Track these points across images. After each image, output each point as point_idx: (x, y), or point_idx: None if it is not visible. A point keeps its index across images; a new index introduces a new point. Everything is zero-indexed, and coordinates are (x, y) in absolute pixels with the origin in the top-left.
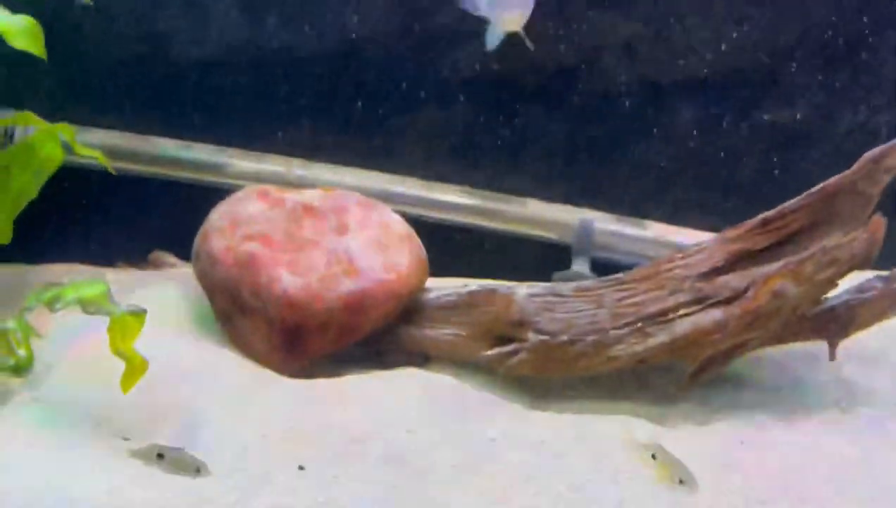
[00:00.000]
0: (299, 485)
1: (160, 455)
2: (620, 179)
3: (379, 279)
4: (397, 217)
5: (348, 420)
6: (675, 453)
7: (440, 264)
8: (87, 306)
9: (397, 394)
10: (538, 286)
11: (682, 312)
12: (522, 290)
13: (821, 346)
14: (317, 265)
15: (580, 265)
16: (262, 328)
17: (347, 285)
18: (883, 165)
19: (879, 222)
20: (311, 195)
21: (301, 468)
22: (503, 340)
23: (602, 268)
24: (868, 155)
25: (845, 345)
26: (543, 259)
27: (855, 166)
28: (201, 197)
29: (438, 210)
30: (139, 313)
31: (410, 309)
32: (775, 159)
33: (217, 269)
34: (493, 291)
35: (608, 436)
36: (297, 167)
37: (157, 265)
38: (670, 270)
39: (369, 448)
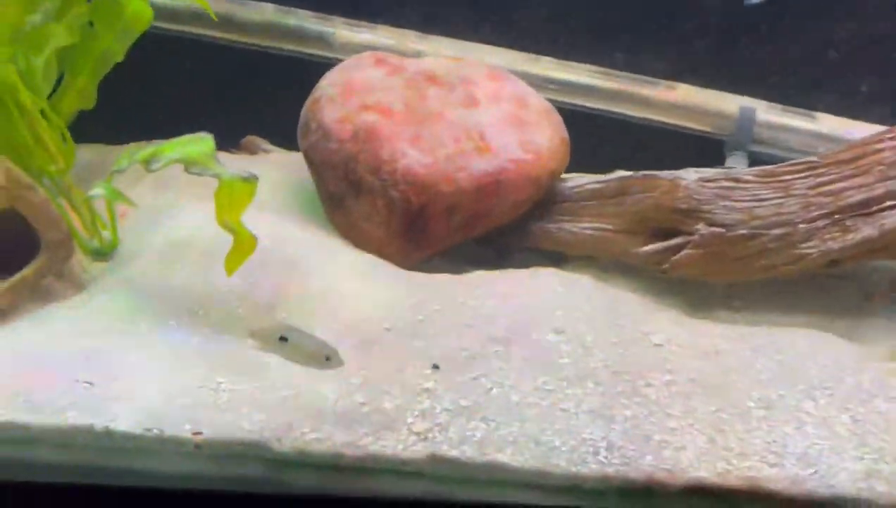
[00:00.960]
0: (433, 388)
1: (283, 339)
2: (788, 62)
3: (515, 159)
4: (532, 90)
5: (484, 318)
6: (880, 371)
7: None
8: (190, 165)
9: (537, 293)
10: (709, 170)
11: (891, 202)
12: (690, 174)
13: None
14: (444, 141)
15: (736, 162)
16: (381, 211)
17: (479, 165)
18: None
19: None
20: (433, 64)
21: (435, 366)
22: (663, 234)
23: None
24: None
25: None
26: (688, 155)
27: None
28: (302, 73)
29: (573, 94)
30: (250, 180)
31: (544, 200)
32: None
33: (330, 143)
34: (652, 176)
35: (793, 349)
36: (411, 40)
37: (251, 151)
38: (878, 151)
39: (512, 350)
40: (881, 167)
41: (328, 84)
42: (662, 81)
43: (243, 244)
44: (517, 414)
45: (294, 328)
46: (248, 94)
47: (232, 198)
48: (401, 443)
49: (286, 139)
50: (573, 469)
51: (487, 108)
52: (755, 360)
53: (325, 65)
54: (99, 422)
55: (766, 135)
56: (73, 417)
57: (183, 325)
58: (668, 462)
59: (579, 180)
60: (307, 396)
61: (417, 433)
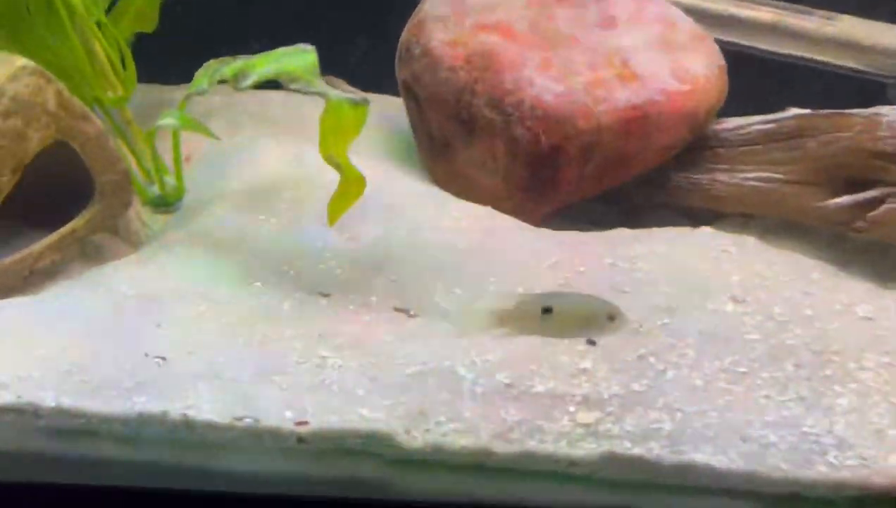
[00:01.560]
0: (591, 368)
1: (547, 310)
2: None
3: (668, 90)
4: (681, 12)
5: (640, 283)
6: None
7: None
8: (290, 79)
9: (703, 254)
10: None
11: None
12: (892, 110)
13: None
14: (579, 68)
15: None
16: (500, 155)
17: (624, 95)
18: None
19: None
20: None
21: (591, 342)
22: (854, 185)
23: None
24: None
25: None
26: (843, 99)
27: None
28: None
29: (713, 25)
30: (361, 104)
31: (696, 146)
32: None
33: (438, 71)
34: (841, 113)
35: None
36: None
37: None
38: None
39: (683, 323)
40: None
41: (435, 2)
42: (818, 12)
43: (351, 184)
44: (708, 403)
45: (553, 293)
46: (322, 27)
47: (339, 125)
48: (564, 438)
49: (368, 83)
50: (797, 473)
51: (629, 29)
52: None
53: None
54: (175, 409)
55: None
56: (143, 403)
57: (270, 288)
58: None
59: (740, 121)
60: (439, 375)
61: (585, 425)
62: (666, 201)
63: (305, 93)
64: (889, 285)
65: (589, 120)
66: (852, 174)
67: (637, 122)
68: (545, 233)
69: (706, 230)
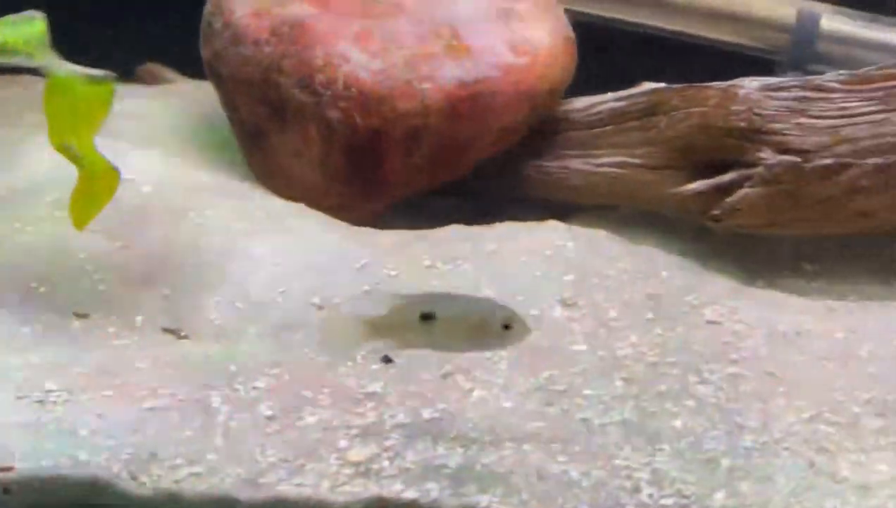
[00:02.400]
0: (382, 391)
1: (428, 316)
2: None
3: (503, 64)
4: None
5: (459, 287)
6: None
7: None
8: (8, 54)
9: (537, 251)
10: (776, 78)
11: None
12: (752, 82)
13: None
14: (403, 40)
15: None
16: (315, 142)
17: (453, 72)
18: None
19: None
20: None
21: (387, 359)
22: (712, 168)
23: None
24: None
25: None
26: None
27: None
28: None
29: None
30: (102, 81)
31: (543, 128)
32: None
33: (241, 47)
34: (696, 86)
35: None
36: None
37: (150, 81)
38: None
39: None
40: None
41: None
42: None
43: (97, 179)
44: (510, 430)
45: (438, 295)
46: (147, 11)
47: (73, 107)
48: (327, 479)
49: (198, 68)
50: None
51: None
52: (856, 345)
53: None
54: None
55: (834, 51)
56: None
57: (13, 309)
58: (747, 500)
59: (591, 100)
60: (187, 409)
61: (355, 464)
62: (520, 193)
63: (24, 71)
64: (757, 281)
65: (412, 100)
66: (710, 156)
67: (468, 101)
68: (360, 233)
69: (551, 225)
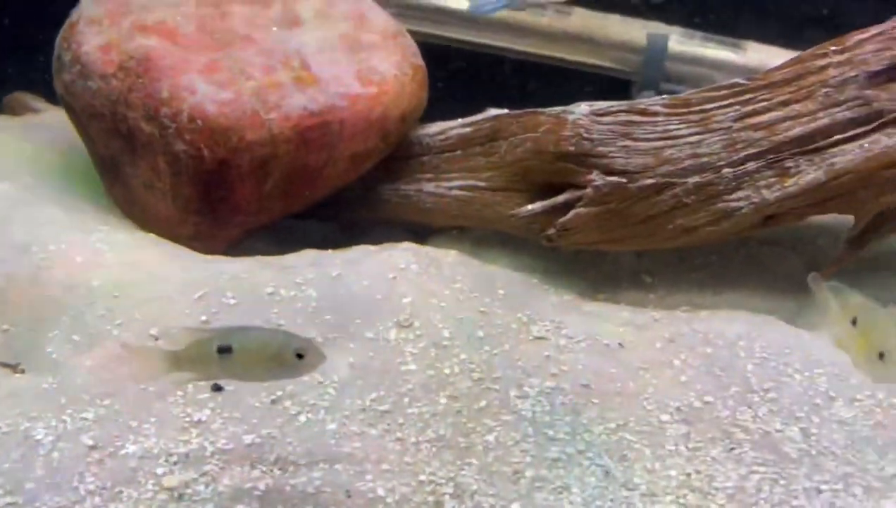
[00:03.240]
0: (208, 418)
1: (223, 350)
2: None
3: (350, 94)
4: (377, 6)
5: (299, 313)
6: (835, 367)
7: (439, 107)
8: None
9: (379, 275)
10: (607, 103)
11: (842, 135)
12: (582, 107)
13: None
14: (250, 71)
15: None
16: (165, 173)
17: (300, 102)
18: None
19: None
20: None
21: (217, 387)
22: (551, 190)
23: None
24: None
25: None
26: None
27: None
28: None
29: (439, 23)
30: None
31: (399, 154)
32: None
33: (90, 81)
34: (532, 112)
35: (721, 339)
36: None
37: (18, 111)
38: (822, 70)
39: (335, 356)
40: (826, 90)
41: (90, 2)
42: (553, 3)
43: None
44: (329, 451)
45: (234, 328)
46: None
47: None
48: (143, 505)
49: None
50: None
51: (314, 27)
52: (672, 354)
53: None
54: None
55: (682, 70)
56: None
57: None
58: None
59: (442, 126)
60: (7, 442)
61: (170, 489)
62: (382, 215)
63: None
64: (596, 295)
65: (259, 130)
66: (546, 178)
67: (316, 130)
68: (205, 263)
69: (403, 246)
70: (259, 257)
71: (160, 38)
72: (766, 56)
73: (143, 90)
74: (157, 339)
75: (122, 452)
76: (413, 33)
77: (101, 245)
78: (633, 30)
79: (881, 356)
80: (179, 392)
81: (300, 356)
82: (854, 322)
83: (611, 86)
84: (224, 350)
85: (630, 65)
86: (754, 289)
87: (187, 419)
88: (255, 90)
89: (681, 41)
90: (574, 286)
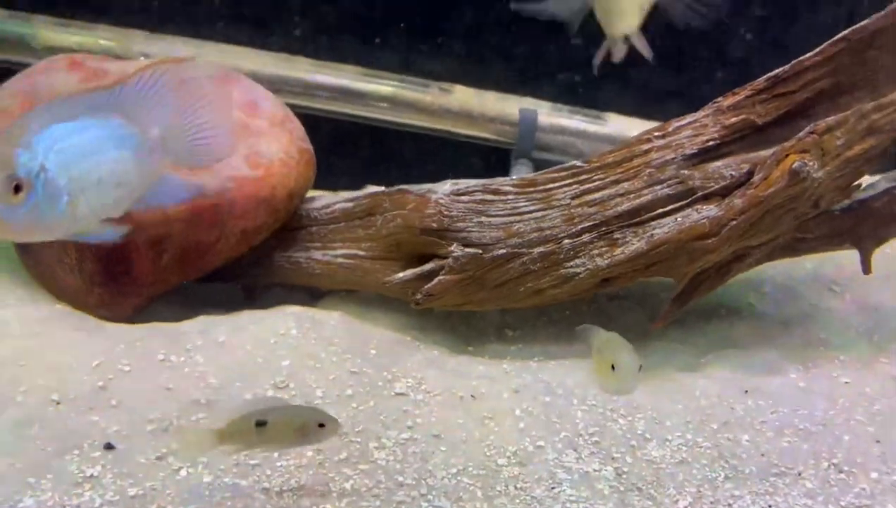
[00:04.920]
0: (99, 474)
1: (261, 423)
2: (575, 58)
3: (239, 177)
4: (269, 94)
5: (188, 377)
6: (654, 411)
7: (335, 179)
8: None
9: (264, 340)
10: (467, 182)
11: (662, 210)
12: (444, 187)
13: (839, 264)
14: None
15: (521, 172)
16: (71, 250)
17: (193, 185)
18: None
19: None
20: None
21: (109, 446)
22: (419, 259)
23: None
24: None
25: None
26: (474, 167)
27: (888, 8)
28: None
29: (333, 101)
30: None
31: (291, 225)
32: (769, 33)
33: None
34: (402, 191)
35: (561, 388)
36: (138, 41)
37: None
38: (646, 153)
39: (218, 416)
40: (649, 170)
41: (5, 94)
42: (436, 84)
43: None
44: (201, 501)
45: (269, 404)
46: None
47: None
48: None
49: None
50: None
51: (206, 115)
52: (516, 404)
53: None
54: None
55: (552, 140)
56: None
57: None
58: None
59: (330, 199)
60: None
61: None
62: (278, 279)
63: None
64: (465, 349)
65: (155, 212)
66: (415, 249)
67: (208, 211)
68: (106, 331)
69: (289, 310)
70: (156, 325)
71: None
72: (625, 126)
73: None
74: (57, 402)
75: (21, 505)
76: (309, 108)
77: (11, 317)
78: (508, 105)
79: (612, 367)
80: (76, 451)
81: (321, 426)
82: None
83: (494, 153)
84: (261, 424)
85: (507, 136)
86: None
87: (81, 475)
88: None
89: (550, 114)
90: (445, 342)
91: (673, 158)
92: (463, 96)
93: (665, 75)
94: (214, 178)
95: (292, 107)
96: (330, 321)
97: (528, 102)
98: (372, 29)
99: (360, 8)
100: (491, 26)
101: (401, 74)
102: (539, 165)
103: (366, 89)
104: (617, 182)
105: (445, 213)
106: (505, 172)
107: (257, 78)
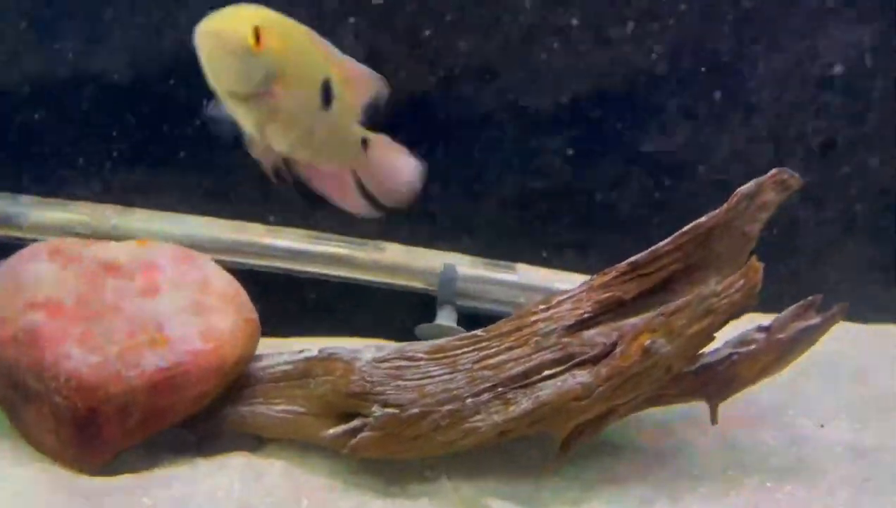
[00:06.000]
0: None
1: None
2: (489, 217)
3: (193, 351)
4: (221, 272)
5: None
6: None
7: (292, 323)
8: None
9: (208, 494)
10: (387, 349)
11: (546, 373)
12: (367, 354)
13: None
14: (116, 337)
15: (446, 316)
16: (49, 418)
17: (153, 360)
18: (758, 202)
19: (756, 268)
20: (116, 250)
21: None
22: (347, 416)
23: (474, 319)
24: (742, 190)
25: (733, 401)
26: (412, 311)
27: (728, 203)
28: None
29: (284, 260)
30: None
31: (239, 382)
32: (657, 192)
33: None
34: (331, 357)
35: None
36: (111, 216)
37: None
38: (534, 323)
39: None
40: (537, 338)
41: None
42: (373, 242)
43: None
44: None
45: None
46: None
47: None
48: None
49: None
50: None
51: (168, 295)
52: None
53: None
54: None
55: (471, 289)
56: None
57: None
58: None
59: (273, 360)
60: None
61: None
62: (231, 429)
63: None
64: (389, 489)
65: (120, 385)
66: (344, 409)
67: (166, 382)
68: (71, 486)
69: (235, 462)
70: (122, 479)
71: (46, 313)
72: (534, 276)
73: (31, 356)
74: None
75: None
76: (263, 267)
77: None
78: (434, 260)
79: None
80: None
81: None
82: None
83: (423, 300)
84: None
85: (433, 285)
86: (499, 475)
87: None
88: (118, 354)
89: (469, 266)
90: (373, 485)
91: (555, 328)
92: (394, 253)
93: (569, 230)
94: (173, 352)
95: (246, 267)
96: (271, 470)
97: (453, 256)
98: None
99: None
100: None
101: (342, 234)
102: (461, 310)
103: (313, 250)
104: (510, 348)
105: (367, 379)
106: (432, 316)
107: (218, 243)
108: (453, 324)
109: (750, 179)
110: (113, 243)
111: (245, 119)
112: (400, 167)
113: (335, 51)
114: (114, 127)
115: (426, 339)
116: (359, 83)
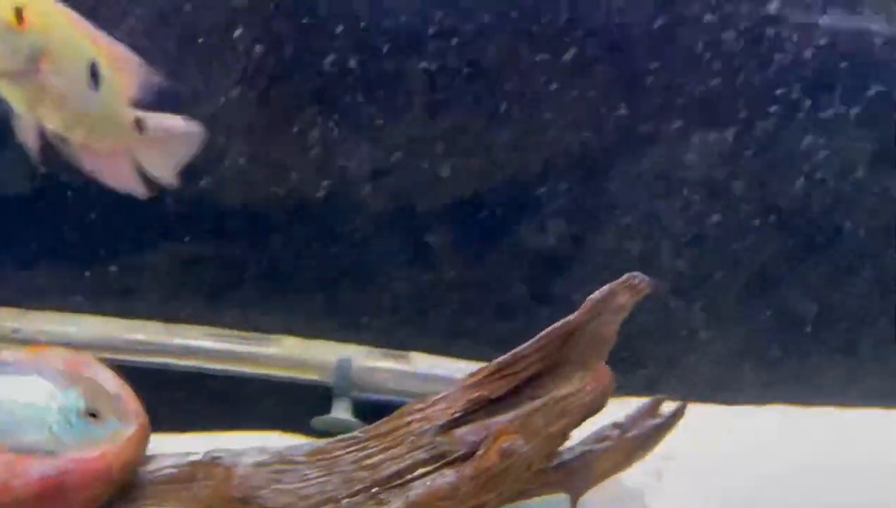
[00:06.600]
0: None
1: None
2: (383, 309)
3: (79, 458)
4: (109, 375)
5: None
6: None
7: (193, 417)
8: None
9: None
10: (269, 452)
11: (418, 472)
12: (249, 458)
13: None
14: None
15: (340, 408)
16: None
17: (39, 468)
18: (611, 305)
19: (605, 372)
20: (5, 357)
21: None
22: None
23: (375, 408)
24: (594, 296)
25: (603, 487)
26: (312, 402)
27: (582, 308)
28: None
29: (185, 357)
30: None
31: (129, 485)
32: (543, 284)
33: None
34: (213, 461)
35: None
36: (8, 320)
37: None
38: (409, 423)
39: None
40: (411, 438)
41: None
42: (269, 337)
43: None
44: None
45: None
46: None
47: None
48: None
49: None
50: None
51: None
52: None
53: None
54: None
55: (366, 379)
56: None
57: None
58: None
59: (161, 462)
60: None
61: None
62: None
63: None
64: None
65: (9, 494)
66: None
67: (53, 489)
68: None
69: None
70: None
71: None
72: (427, 363)
73: None
74: None
75: None
76: (162, 365)
77: None
78: (328, 353)
79: None
80: None
81: None
82: None
83: (324, 392)
84: None
85: (329, 377)
86: None
87: None
88: (6, 464)
89: (365, 357)
90: None
91: (429, 428)
92: (290, 346)
93: (459, 319)
94: (59, 461)
95: (146, 365)
96: None
97: (348, 348)
98: (216, 293)
99: (206, 276)
100: (315, 283)
101: (240, 330)
102: (358, 401)
103: (211, 347)
104: (387, 448)
105: (248, 483)
106: (328, 407)
107: (121, 342)
108: (349, 416)
109: (629, 268)
110: (4, 351)
111: (14, 98)
112: (177, 135)
113: (100, 34)
114: None
115: (323, 430)
116: (125, 66)
